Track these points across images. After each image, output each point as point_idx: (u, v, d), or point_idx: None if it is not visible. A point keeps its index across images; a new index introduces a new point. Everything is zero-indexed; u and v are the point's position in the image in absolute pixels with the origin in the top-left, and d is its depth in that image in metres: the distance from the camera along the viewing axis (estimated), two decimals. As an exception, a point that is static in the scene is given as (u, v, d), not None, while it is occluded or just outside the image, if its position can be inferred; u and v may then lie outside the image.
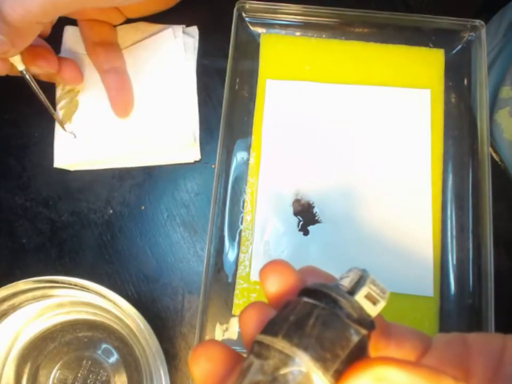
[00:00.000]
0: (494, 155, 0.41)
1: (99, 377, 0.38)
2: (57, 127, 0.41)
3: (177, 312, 0.39)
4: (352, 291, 0.17)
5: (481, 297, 0.35)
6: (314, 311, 0.16)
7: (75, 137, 0.40)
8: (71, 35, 0.42)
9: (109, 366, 0.38)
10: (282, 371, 0.15)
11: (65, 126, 0.40)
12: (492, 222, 0.35)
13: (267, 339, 0.16)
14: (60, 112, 0.41)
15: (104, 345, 0.38)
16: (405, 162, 0.39)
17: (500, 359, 0.19)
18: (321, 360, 0.15)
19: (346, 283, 0.17)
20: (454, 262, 0.37)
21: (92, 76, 0.41)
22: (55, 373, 0.38)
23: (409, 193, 0.38)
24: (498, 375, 0.18)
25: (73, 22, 0.42)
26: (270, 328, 0.16)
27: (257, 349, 0.16)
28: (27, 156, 0.42)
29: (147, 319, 0.33)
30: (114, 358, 0.38)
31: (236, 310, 0.37)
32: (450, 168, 0.39)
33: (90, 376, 0.38)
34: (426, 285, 0.36)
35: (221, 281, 0.37)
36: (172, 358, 0.38)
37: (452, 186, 0.38)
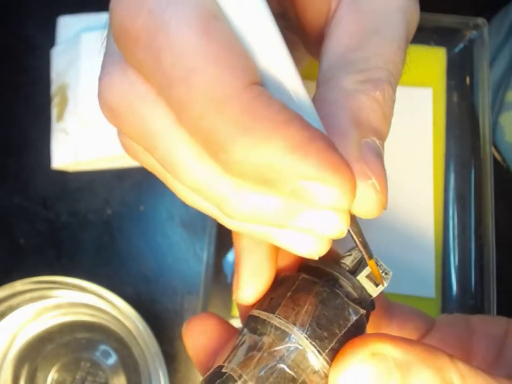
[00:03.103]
0: (496, 154, 0.41)
1: (97, 379, 0.38)
2: (54, 128, 0.40)
3: (176, 313, 0.38)
4: (354, 270, 0.17)
5: (483, 298, 0.35)
6: (313, 288, 0.16)
7: (67, 134, 0.39)
8: (64, 26, 0.41)
9: (108, 367, 0.38)
10: (278, 347, 0.15)
11: (59, 124, 0.40)
12: (494, 223, 0.35)
13: (263, 314, 0.15)
14: (54, 110, 0.40)
15: (102, 347, 0.38)
16: (407, 161, 0.38)
17: (502, 343, 0.19)
18: (318, 338, 0.14)
19: (348, 262, 0.17)
20: (456, 263, 0.37)
21: (82, 64, 0.39)
22: (53, 374, 0.38)
23: (411, 193, 0.38)
24: (500, 359, 0.18)
25: (66, 12, 0.41)
26: (267, 303, 0.16)
27: (253, 323, 0.16)
28: (25, 156, 0.42)
29: (146, 320, 0.33)
30: (112, 359, 0.38)
31: (236, 311, 0.36)
32: (452, 167, 0.38)
33: (89, 378, 0.38)
34: (428, 286, 0.36)
35: (220, 281, 0.37)
36: (171, 359, 0.38)
37: (454, 186, 0.38)
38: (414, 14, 0.17)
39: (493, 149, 0.38)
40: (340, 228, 0.14)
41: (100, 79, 0.14)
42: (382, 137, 0.15)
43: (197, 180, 0.14)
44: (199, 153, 0.14)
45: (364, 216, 0.15)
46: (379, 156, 0.14)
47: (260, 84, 0.12)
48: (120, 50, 0.13)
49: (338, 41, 0.17)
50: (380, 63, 0.16)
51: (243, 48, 0.12)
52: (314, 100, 0.16)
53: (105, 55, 0.15)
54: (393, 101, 0.16)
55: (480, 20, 0.38)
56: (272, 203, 0.14)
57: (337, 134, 0.14)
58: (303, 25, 0.19)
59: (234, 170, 0.12)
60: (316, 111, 0.14)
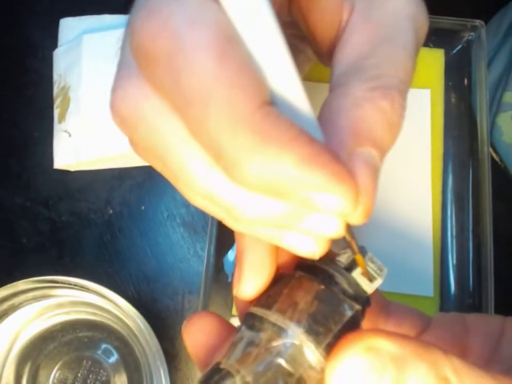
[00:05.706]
0: (494, 155, 0.41)
1: (99, 377, 0.38)
2: (56, 128, 0.40)
3: (177, 312, 0.39)
4: (349, 267, 0.17)
5: (481, 297, 0.35)
6: (309, 285, 0.16)
7: (70, 136, 0.39)
8: (66, 27, 0.42)
9: (109, 366, 0.38)
10: (275, 343, 0.15)
11: (61, 125, 0.40)
12: (492, 222, 0.35)
13: (260, 311, 0.16)
14: (56, 111, 0.40)
15: (104, 345, 0.38)
16: (405, 162, 0.38)
17: (497, 341, 0.19)
18: (314, 333, 0.15)
19: (343, 259, 0.17)
20: (454, 262, 0.37)
21: (84, 66, 0.40)
22: (55, 373, 0.38)
23: (410, 193, 0.38)
24: (495, 356, 0.19)
25: (67, 14, 0.42)
26: (264, 300, 0.16)
27: (250, 321, 0.16)
28: (27, 156, 0.42)
29: (147, 319, 0.33)
30: (114, 358, 0.38)
31: (236, 310, 0.37)
32: (450, 168, 0.39)
33: (90, 376, 0.38)
34: (426, 285, 0.36)
35: (221, 281, 0.37)
36: (172, 358, 0.38)
37: (452, 186, 0.38)
38: (423, 21, 0.18)
39: (491, 149, 0.39)
40: (339, 229, 0.15)
41: (114, 90, 0.15)
42: (382, 147, 0.15)
43: (207, 188, 0.14)
44: (210, 164, 0.14)
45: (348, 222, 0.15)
46: (370, 166, 0.15)
47: (270, 103, 0.13)
48: (139, 67, 0.14)
49: (350, 50, 0.17)
50: (391, 70, 0.16)
51: (255, 69, 0.13)
52: (323, 105, 0.16)
53: (120, 67, 0.15)
54: (404, 108, 0.16)
55: (478, 22, 0.39)
56: (279, 208, 0.14)
57: (334, 142, 0.15)
58: (314, 35, 0.19)
59: (245, 183, 0.13)
60: (318, 124, 0.15)
